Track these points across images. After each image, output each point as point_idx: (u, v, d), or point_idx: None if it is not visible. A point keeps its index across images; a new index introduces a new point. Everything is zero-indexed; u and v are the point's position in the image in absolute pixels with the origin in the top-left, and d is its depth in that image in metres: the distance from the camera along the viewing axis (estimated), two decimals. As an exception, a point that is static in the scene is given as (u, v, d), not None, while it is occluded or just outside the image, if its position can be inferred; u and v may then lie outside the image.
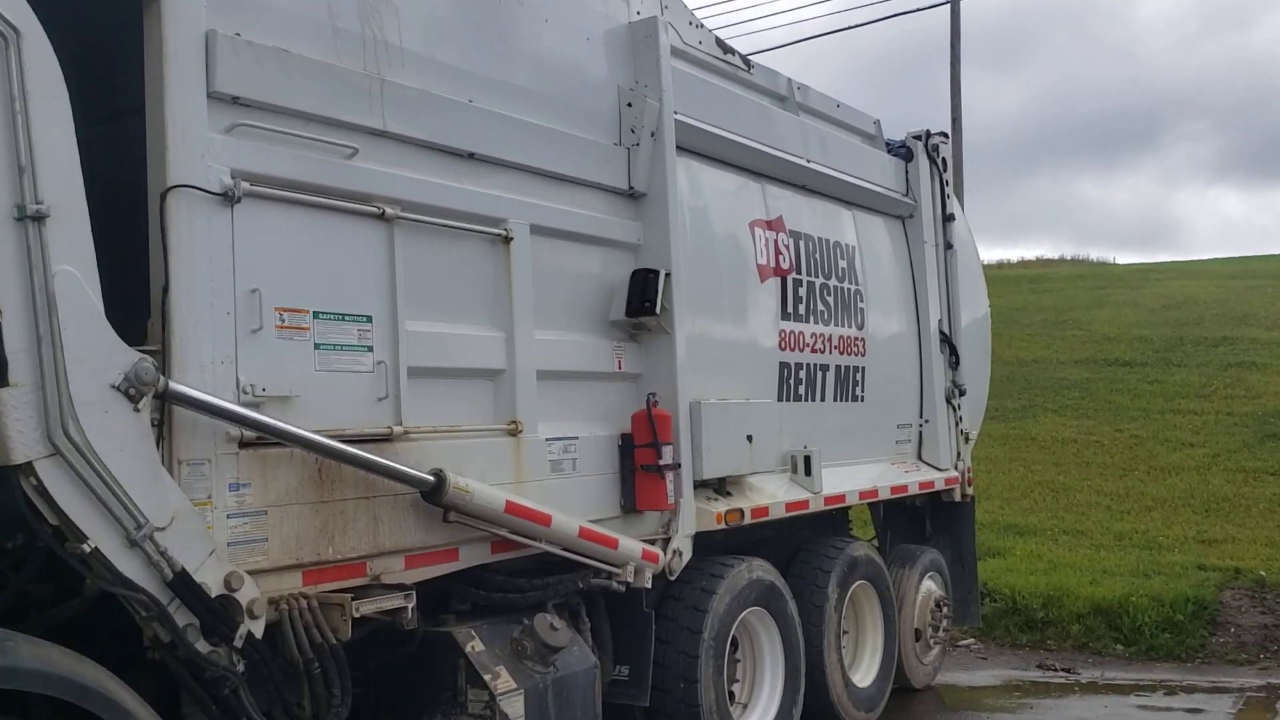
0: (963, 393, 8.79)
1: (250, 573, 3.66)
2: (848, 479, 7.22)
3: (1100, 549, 11.60)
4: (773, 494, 6.33)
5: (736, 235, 6.46)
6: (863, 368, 7.67)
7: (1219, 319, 20.41)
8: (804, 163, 7.09)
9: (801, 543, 7.12)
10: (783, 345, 6.77)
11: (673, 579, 5.46)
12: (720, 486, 5.95)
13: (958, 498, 8.73)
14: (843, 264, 7.52)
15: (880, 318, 7.96)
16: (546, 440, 4.95)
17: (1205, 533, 11.87)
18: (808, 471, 6.63)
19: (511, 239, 4.84)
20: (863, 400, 7.67)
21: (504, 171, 4.89)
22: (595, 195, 5.43)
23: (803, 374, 6.96)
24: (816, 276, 7.17)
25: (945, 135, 9.03)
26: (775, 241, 6.79)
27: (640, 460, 5.31)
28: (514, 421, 4.78)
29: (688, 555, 5.58)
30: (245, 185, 3.79)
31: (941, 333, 8.65)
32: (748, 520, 5.96)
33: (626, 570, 5.11)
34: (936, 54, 25.22)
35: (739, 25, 24.93)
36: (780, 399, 6.74)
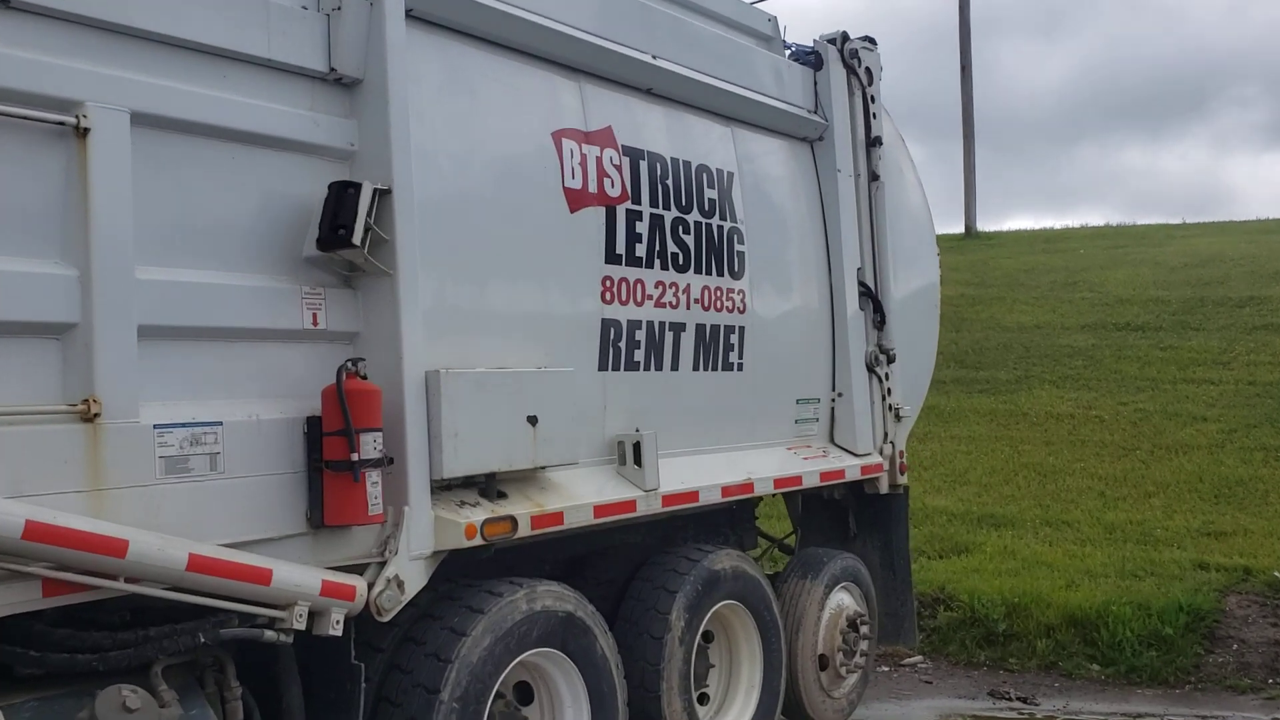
0: (891, 359, 7.24)
1: None
2: (711, 470, 5.71)
3: (1086, 544, 10.04)
4: (581, 493, 4.84)
5: (530, 148, 4.94)
6: (741, 328, 6.14)
7: (1246, 277, 18.61)
8: (648, 59, 5.55)
9: (650, 555, 5.64)
10: (608, 297, 5.26)
11: (384, 619, 3.97)
12: (490, 487, 4.46)
13: (884, 489, 7.21)
14: (711, 194, 5.98)
15: (770, 264, 6.43)
16: (156, 428, 3.47)
17: (1212, 524, 10.27)
18: (639, 462, 5.14)
19: (89, 130, 3.35)
20: (741, 369, 6.14)
21: (76, 31, 3.40)
22: (271, 78, 3.94)
23: (640, 335, 5.44)
24: (667, 208, 5.64)
25: (870, 41, 7.44)
26: (598, 160, 5.26)
27: (328, 454, 3.83)
28: (88, 400, 3.30)
29: (415, 585, 4.09)
30: None
31: (862, 284, 7.10)
32: (525, 531, 4.47)
33: (292, 614, 3.64)
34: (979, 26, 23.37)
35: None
36: (604, 368, 5.23)
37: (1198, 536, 10.00)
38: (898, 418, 7.33)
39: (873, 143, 7.32)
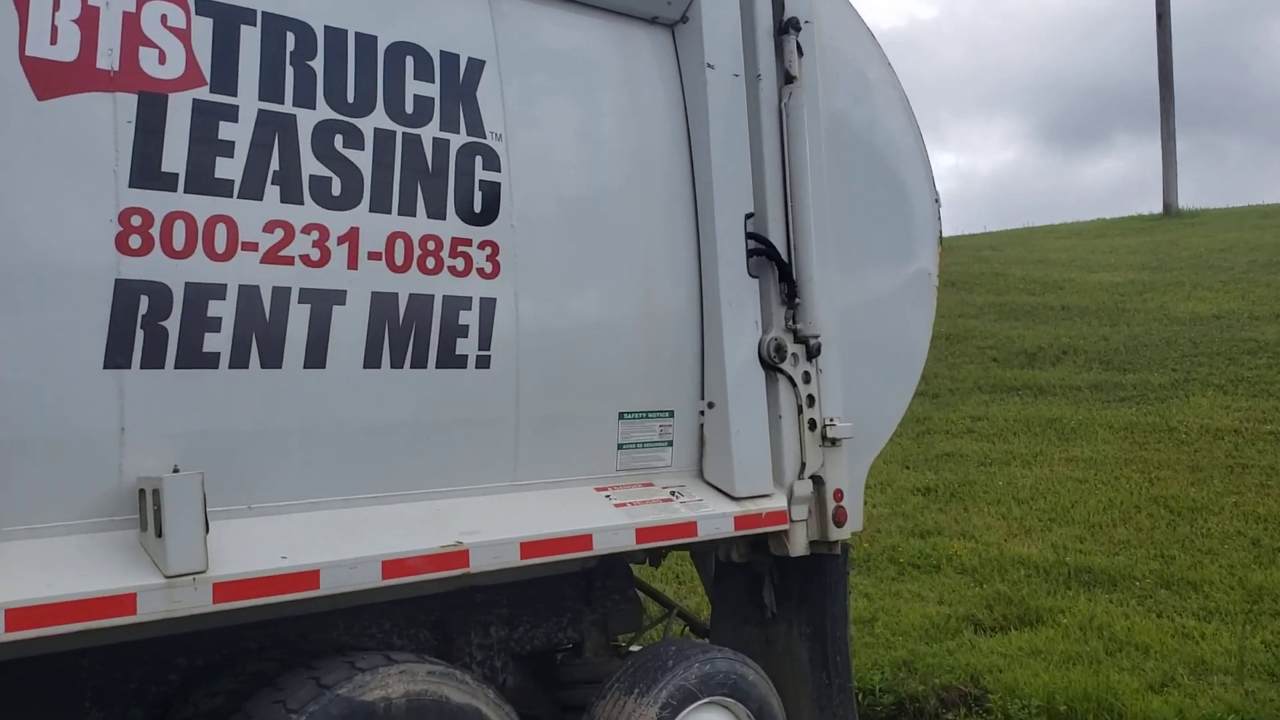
0: (813, 350, 4.90)
1: None
2: (384, 532, 3.59)
3: (1212, 617, 7.21)
4: None
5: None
6: (488, 301, 3.98)
7: None
8: None
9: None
10: (135, 243, 3.21)
11: None
12: None
13: (797, 549, 4.86)
14: (424, 90, 3.87)
15: (567, 203, 4.26)
16: None
17: None
18: (161, 527, 3.07)
19: None
20: (486, 366, 3.98)
21: None
22: None
23: (223, 308, 3.37)
24: (304, 105, 3.57)
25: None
26: (129, 18, 3.25)
27: None
28: None
29: None
30: None
31: (756, 238, 4.80)
32: None
33: None
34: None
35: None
36: (120, 363, 3.19)
37: (1387, 611, 7.02)
38: (828, 440, 4.95)
39: (784, 28, 4.99)
